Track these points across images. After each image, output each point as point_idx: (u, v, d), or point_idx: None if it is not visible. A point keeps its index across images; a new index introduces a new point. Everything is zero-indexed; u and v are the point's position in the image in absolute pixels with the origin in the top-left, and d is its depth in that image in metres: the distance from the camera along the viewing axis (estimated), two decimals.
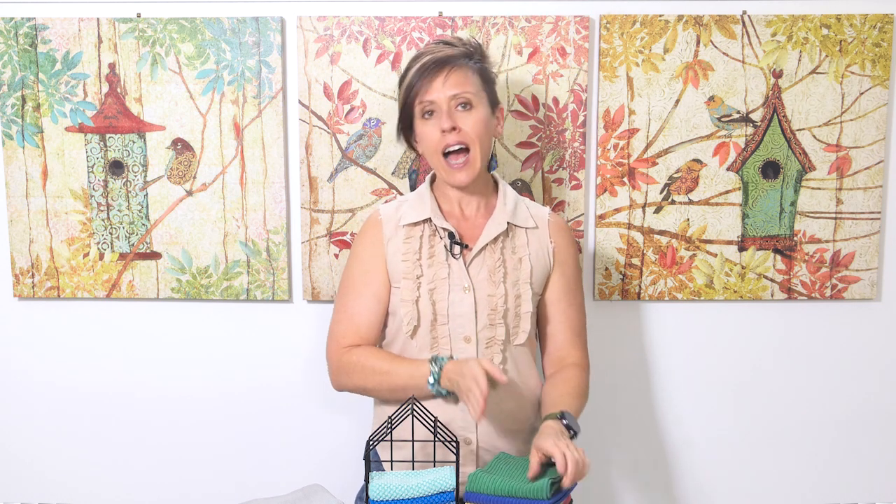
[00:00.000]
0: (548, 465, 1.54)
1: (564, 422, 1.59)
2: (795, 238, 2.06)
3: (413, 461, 1.54)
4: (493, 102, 1.74)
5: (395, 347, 1.74)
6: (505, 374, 1.69)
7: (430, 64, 1.66)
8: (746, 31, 1.99)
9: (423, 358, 1.67)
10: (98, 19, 2.01)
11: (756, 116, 2.02)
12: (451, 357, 1.65)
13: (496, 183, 1.80)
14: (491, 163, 1.80)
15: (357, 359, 1.70)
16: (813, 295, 2.08)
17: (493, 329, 1.69)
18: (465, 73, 1.68)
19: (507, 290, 1.70)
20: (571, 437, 1.59)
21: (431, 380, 1.61)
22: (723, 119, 2.02)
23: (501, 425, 1.71)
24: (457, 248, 1.70)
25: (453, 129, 1.65)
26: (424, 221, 1.73)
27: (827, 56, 2.00)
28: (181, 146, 2.04)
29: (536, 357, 1.82)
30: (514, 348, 1.72)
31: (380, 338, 1.76)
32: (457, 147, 1.67)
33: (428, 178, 1.80)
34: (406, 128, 1.75)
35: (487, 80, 1.73)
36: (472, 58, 1.71)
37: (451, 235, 1.71)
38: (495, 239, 1.72)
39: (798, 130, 2.03)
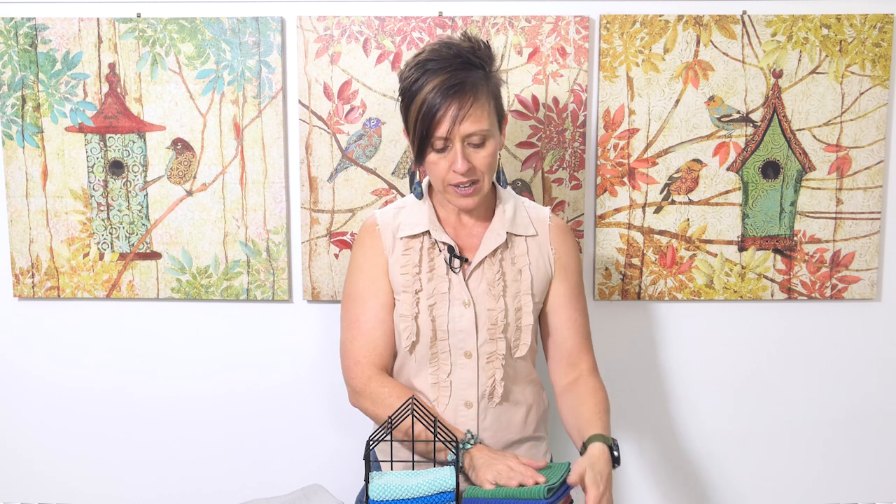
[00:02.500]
0: (547, 467, 1.54)
1: (616, 453, 1.54)
2: (795, 238, 2.06)
3: (413, 461, 1.54)
4: (501, 118, 1.65)
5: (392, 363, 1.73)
6: (506, 388, 1.68)
7: (447, 91, 1.53)
8: (746, 31, 1.99)
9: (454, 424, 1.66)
10: (98, 19, 2.01)
11: (756, 116, 2.02)
12: (480, 441, 1.61)
13: (495, 189, 1.74)
14: (500, 176, 1.73)
15: (388, 398, 1.64)
16: (813, 295, 2.08)
17: (494, 343, 1.66)
18: (482, 107, 1.56)
19: (507, 303, 1.66)
20: (614, 467, 1.55)
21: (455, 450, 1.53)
22: (723, 119, 2.02)
23: (502, 438, 1.70)
24: (456, 263, 1.66)
25: (469, 169, 1.58)
26: (423, 233, 1.69)
27: (827, 56, 2.00)
28: (181, 146, 2.04)
29: (537, 363, 1.81)
30: (515, 361, 1.69)
31: (394, 350, 1.71)
32: (467, 183, 1.60)
33: (426, 181, 1.75)
34: (418, 147, 1.61)
35: (498, 99, 1.62)
36: (487, 73, 1.60)
37: (450, 249, 1.67)
38: (494, 251, 1.67)
39: (798, 130, 2.03)
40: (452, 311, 1.65)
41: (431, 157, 1.60)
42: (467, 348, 1.66)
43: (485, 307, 1.66)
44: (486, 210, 1.72)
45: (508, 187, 1.78)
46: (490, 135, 1.59)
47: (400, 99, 1.62)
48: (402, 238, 1.69)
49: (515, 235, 1.70)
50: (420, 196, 1.73)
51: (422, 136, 1.57)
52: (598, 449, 1.53)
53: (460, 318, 1.65)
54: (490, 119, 1.58)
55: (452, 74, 1.54)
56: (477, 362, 1.66)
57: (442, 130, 1.55)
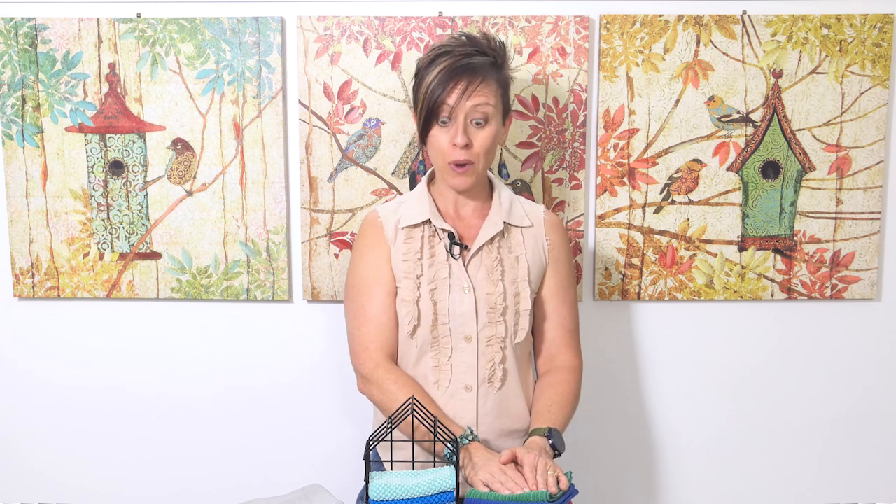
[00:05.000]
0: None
1: (550, 441, 1.61)
2: (795, 238, 2.06)
3: (413, 461, 1.54)
4: (506, 111, 1.73)
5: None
6: (505, 372, 1.71)
7: (459, 69, 1.63)
8: (746, 31, 1.99)
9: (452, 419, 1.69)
10: (98, 19, 2.01)
11: (756, 116, 2.02)
12: (478, 438, 1.63)
13: (491, 183, 1.80)
14: (502, 170, 1.81)
15: (394, 385, 1.67)
16: (813, 295, 2.08)
17: (494, 327, 1.70)
18: (490, 87, 1.65)
19: (505, 288, 1.70)
20: (555, 456, 1.61)
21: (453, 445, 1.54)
22: (723, 119, 2.02)
23: (501, 425, 1.71)
24: (456, 249, 1.71)
25: (466, 145, 1.65)
26: (424, 223, 1.73)
27: (827, 56, 2.00)
28: (181, 146, 2.04)
29: (531, 355, 1.82)
30: (514, 346, 1.72)
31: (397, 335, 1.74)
32: (463, 161, 1.66)
33: (425, 177, 1.80)
34: (423, 125, 1.71)
35: (506, 90, 1.72)
36: (497, 65, 1.68)
37: (450, 236, 1.71)
38: (492, 239, 1.72)
39: (798, 130, 2.03)
40: (453, 296, 1.69)
41: (435, 131, 1.67)
42: (467, 332, 1.69)
43: (484, 292, 1.70)
44: (483, 202, 1.77)
45: (507, 186, 1.81)
46: (492, 116, 1.67)
47: (414, 80, 1.72)
48: (403, 228, 1.73)
49: (512, 226, 1.75)
50: (432, 178, 1.79)
51: (429, 109, 1.65)
52: (534, 441, 1.62)
53: (460, 303, 1.69)
54: (495, 101, 1.67)
55: (466, 57, 1.65)
56: (477, 346, 1.70)
57: (449, 102, 1.64)
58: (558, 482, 1.47)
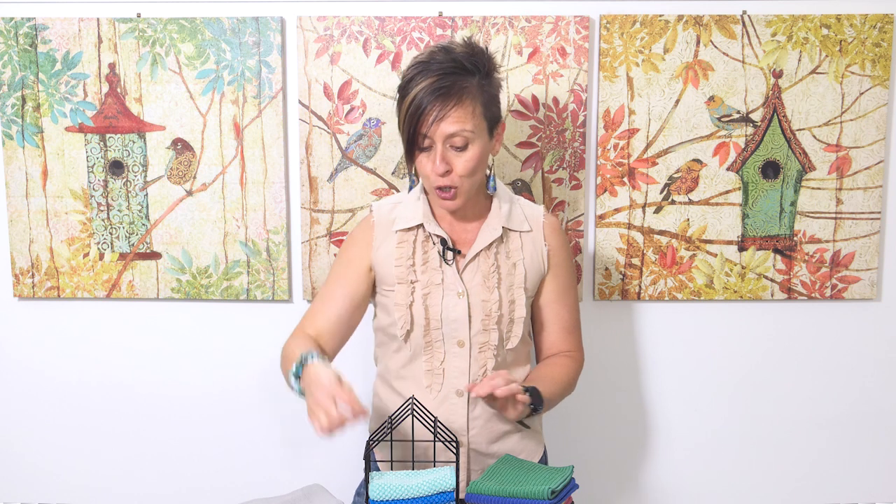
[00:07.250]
0: (551, 469, 1.54)
1: (527, 392, 1.60)
2: (795, 238, 2.06)
3: (413, 461, 1.54)
4: (494, 124, 1.66)
5: (389, 350, 1.75)
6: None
7: (432, 94, 1.57)
8: (746, 31, 1.99)
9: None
10: (98, 19, 2.01)
11: (756, 116, 2.02)
12: (320, 360, 1.57)
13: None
14: (489, 183, 1.74)
15: (286, 346, 1.70)
16: (813, 295, 2.08)
17: (487, 334, 1.68)
18: (465, 109, 1.58)
19: (501, 295, 1.69)
20: (532, 412, 1.63)
21: (294, 372, 1.58)
22: (723, 119, 2.02)
23: (492, 429, 1.71)
24: (449, 255, 1.69)
25: (446, 172, 1.61)
26: (417, 226, 1.71)
27: (827, 56, 2.00)
28: (181, 146, 2.05)
29: (530, 355, 1.82)
30: (507, 353, 1.72)
31: (337, 333, 1.73)
32: (445, 187, 1.63)
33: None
34: (407, 145, 1.66)
35: (491, 105, 1.64)
36: (480, 79, 1.62)
37: (443, 242, 1.69)
38: (489, 244, 1.70)
39: (798, 130, 2.03)
40: (446, 301, 1.68)
41: (420, 157, 1.64)
42: (460, 337, 1.69)
43: (479, 298, 1.69)
44: (481, 208, 1.75)
45: (507, 187, 1.80)
46: (473, 138, 1.61)
47: (397, 94, 1.66)
48: (396, 231, 1.72)
49: (510, 231, 1.73)
50: (414, 184, 1.77)
51: (409, 134, 1.62)
52: None
53: (453, 308, 1.68)
54: (474, 122, 1.60)
55: (442, 77, 1.58)
56: (469, 352, 1.69)
57: (424, 129, 1.59)
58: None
